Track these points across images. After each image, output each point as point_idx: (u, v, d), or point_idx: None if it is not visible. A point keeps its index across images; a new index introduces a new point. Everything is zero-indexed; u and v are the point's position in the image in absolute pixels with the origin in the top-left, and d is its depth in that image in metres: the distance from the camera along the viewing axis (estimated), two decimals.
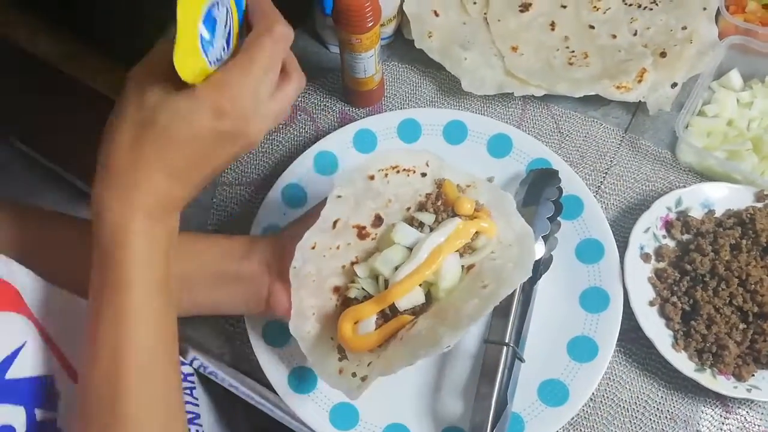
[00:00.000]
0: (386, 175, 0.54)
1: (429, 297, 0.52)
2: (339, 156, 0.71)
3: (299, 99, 0.76)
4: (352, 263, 0.54)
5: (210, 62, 0.41)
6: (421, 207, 0.55)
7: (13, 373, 0.38)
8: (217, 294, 0.56)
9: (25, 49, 0.82)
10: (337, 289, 0.54)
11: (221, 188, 0.73)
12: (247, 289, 0.55)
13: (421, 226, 0.54)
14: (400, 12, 0.78)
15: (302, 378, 0.61)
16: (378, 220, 0.55)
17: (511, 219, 0.54)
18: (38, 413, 0.39)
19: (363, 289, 0.53)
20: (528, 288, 0.63)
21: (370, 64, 0.70)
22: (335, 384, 0.50)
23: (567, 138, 0.74)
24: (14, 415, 0.37)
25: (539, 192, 0.66)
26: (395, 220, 0.55)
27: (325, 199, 0.52)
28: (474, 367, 0.62)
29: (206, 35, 0.40)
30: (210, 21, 0.40)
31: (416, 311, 0.52)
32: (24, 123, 0.79)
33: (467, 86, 0.74)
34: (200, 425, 0.62)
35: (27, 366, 0.39)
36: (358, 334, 0.51)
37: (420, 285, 0.51)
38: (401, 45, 0.79)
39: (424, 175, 0.56)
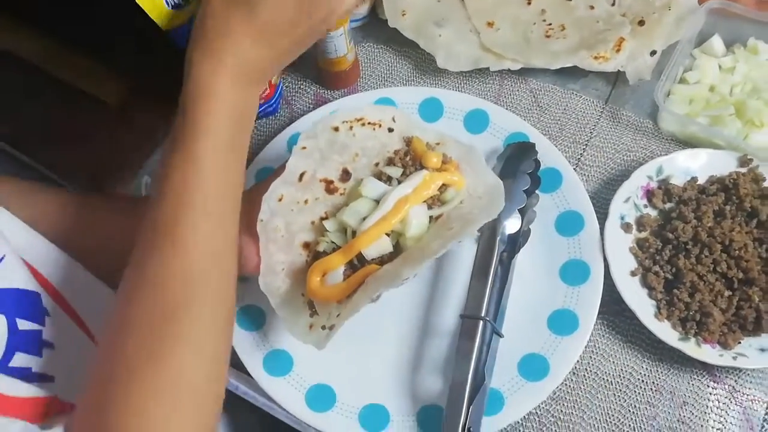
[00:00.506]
0: (351, 127, 0.54)
1: (398, 247, 0.52)
2: None
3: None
4: (322, 219, 0.54)
5: (167, 3, 0.49)
6: (390, 163, 0.55)
7: None
8: None
9: (7, 50, 0.81)
10: (307, 245, 0.54)
11: None
12: None
13: (389, 179, 0.54)
14: None
15: (277, 360, 0.60)
16: (346, 174, 0.55)
17: (482, 172, 0.54)
18: (20, 323, 0.40)
19: (332, 242, 0.53)
20: (506, 262, 0.61)
21: (340, 42, 0.69)
22: (305, 339, 0.49)
23: (546, 112, 0.72)
24: None
25: (515, 165, 0.64)
26: (363, 175, 0.55)
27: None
28: (452, 344, 0.60)
29: None
30: None
31: (384, 260, 0.51)
32: (11, 125, 0.79)
33: (442, 63, 0.73)
34: None
35: (9, 277, 0.39)
36: (327, 285, 0.50)
37: (388, 235, 0.51)
38: (376, 25, 0.79)
39: (390, 130, 0.56)
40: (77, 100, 0.76)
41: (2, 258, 0.40)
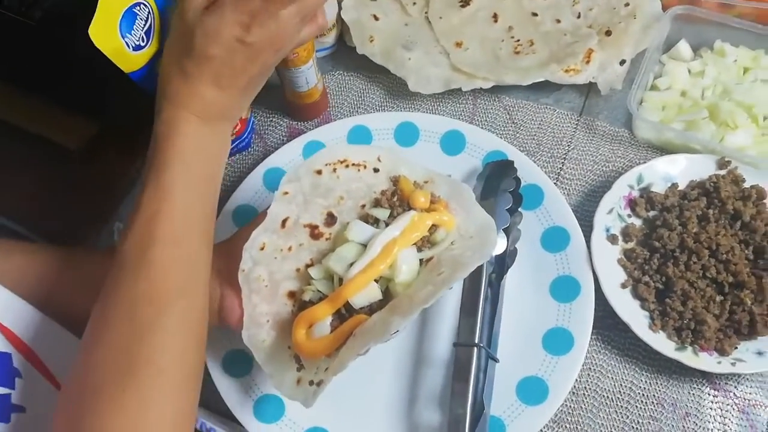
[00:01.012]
0: (335, 169, 0.52)
1: (387, 294, 0.49)
2: (289, 171, 0.68)
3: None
4: (307, 266, 0.52)
5: (128, 46, 0.49)
6: (377, 204, 0.53)
7: None
8: None
9: None
10: (292, 294, 0.51)
11: None
12: None
13: (376, 222, 0.52)
14: (340, 20, 0.77)
15: (268, 406, 0.57)
16: (331, 218, 0.53)
17: (472, 210, 0.52)
18: None
19: (318, 291, 0.50)
20: (495, 284, 0.60)
21: (311, 74, 0.68)
22: (292, 395, 0.47)
23: (521, 128, 0.72)
24: None
25: (496, 184, 0.64)
26: (349, 218, 0.53)
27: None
28: (447, 374, 0.59)
29: (125, 26, 0.49)
30: (130, 15, 0.49)
31: (373, 309, 0.48)
32: None
33: (414, 86, 0.72)
34: None
35: None
36: (313, 337, 0.48)
37: (377, 281, 0.48)
38: (344, 53, 0.78)
39: (376, 170, 0.54)
40: (36, 148, 0.73)
41: None
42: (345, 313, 0.49)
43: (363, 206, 0.54)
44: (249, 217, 0.66)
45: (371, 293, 0.48)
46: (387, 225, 0.51)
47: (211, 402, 0.59)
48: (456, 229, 0.51)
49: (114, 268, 0.44)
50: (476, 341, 0.56)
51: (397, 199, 0.53)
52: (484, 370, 0.56)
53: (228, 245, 0.55)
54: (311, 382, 0.46)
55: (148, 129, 0.72)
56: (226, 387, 0.58)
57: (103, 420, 0.38)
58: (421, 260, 0.50)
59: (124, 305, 0.42)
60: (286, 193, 0.52)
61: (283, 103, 0.74)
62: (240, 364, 0.59)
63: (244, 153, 0.73)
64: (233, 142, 0.70)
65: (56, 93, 0.73)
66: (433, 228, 0.51)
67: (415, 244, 0.50)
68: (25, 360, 0.43)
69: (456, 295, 0.59)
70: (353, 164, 0.54)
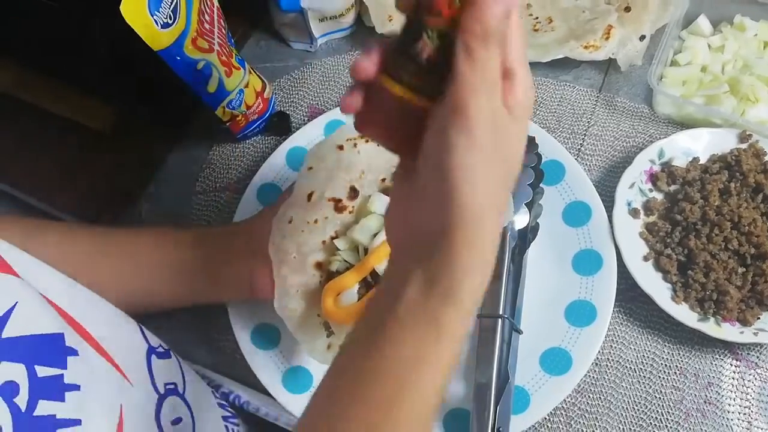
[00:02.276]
0: (355, 144, 0.54)
1: None
2: None
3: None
4: (332, 238, 0.53)
5: (156, 23, 0.51)
6: None
7: (9, 332, 0.37)
8: (202, 281, 0.57)
9: None
10: (319, 265, 0.53)
11: (197, 197, 0.71)
12: (231, 273, 0.56)
13: None
14: (358, 0, 0.77)
15: (296, 377, 0.59)
16: (353, 192, 0.54)
17: None
18: (39, 369, 0.38)
19: (345, 261, 0.52)
20: (518, 259, 0.61)
21: None
22: (324, 360, 0.49)
23: (541, 105, 0.72)
24: (15, 371, 0.36)
25: None
26: (371, 191, 0.55)
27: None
28: (471, 346, 0.59)
29: (153, 3, 0.51)
30: None
31: None
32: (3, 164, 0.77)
33: None
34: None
35: (23, 324, 0.38)
36: (342, 305, 0.49)
37: None
38: (363, 34, 0.78)
39: None
40: (65, 130, 0.74)
41: (14, 305, 0.38)
42: (371, 280, 0.50)
43: (383, 180, 0.56)
44: (272, 195, 0.67)
45: None
46: None
47: (243, 377, 0.60)
48: None
49: (356, 408, 0.35)
50: (500, 312, 0.57)
51: None
52: (508, 341, 0.57)
53: (254, 223, 0.57)
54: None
55: (169, 109, 0.74)
56: (256, 360, 0.59)
57: None
58: None
59: None
60: (311, 168, 0.54)
61: (304, 82, 0.75)
62: (268, 337, 0.60)
63: (265, 133, 0.74)
64: (254, 122, 0.71)
65: (78, 76, 0.75)
66: None
67: None
68: (80, 337, 0.44)
69: None
70: None
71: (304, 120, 0.74)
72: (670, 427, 0.56)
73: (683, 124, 0.69)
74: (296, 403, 0.57)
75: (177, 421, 0.48)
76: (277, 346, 0.60)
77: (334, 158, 0.54)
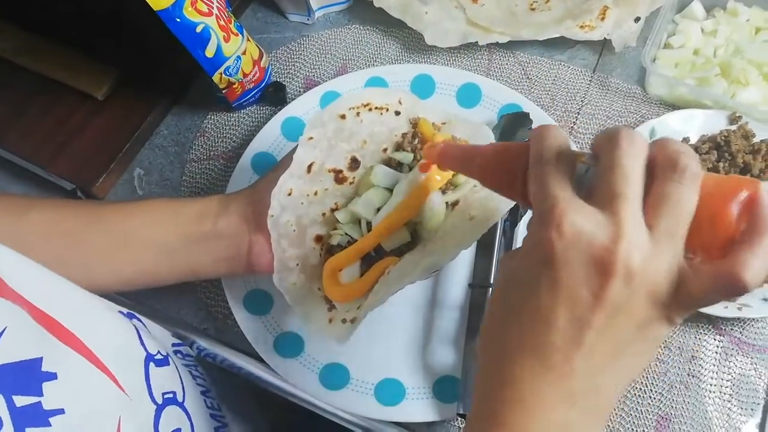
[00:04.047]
0: (358, 113, 0.52)
1: (415, 237, 0.50)
2: (307, 121, 0.69)
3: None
4: (332, 210, 0.53)
5: None
6: (398, 147, 0.54)
7: None
8: (196, 256, 0.54)
9: None
10: (319, 238, 0.52)
11: (190, 165, 0.71)
12: (227, 247, 0.53)
13: (399, 165, 0.53)
14: None
15: (288, 343, 0.59)
16: (354, 163, 0.53)
17: None
18: (17, 399, 0.37)
19: (346, 234, 0.51)
20: (509, 233, 0.62)
21: None
22: (327, 333, 0.48)
23: (536, 83, 0.73)
24: None
25: (512, 135, 0.65)
26: (372, 162, 0.53)
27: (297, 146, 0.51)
28: (462, 315, 0.60)
29: None
30: None
31: (402, 251, 0.49)
32: None
33: (430, 39, 0.73)
34: (212, 398, 0.60)
35: (7, 352, 0.37)
36: (343, 280, 0.49)
37: (405, 225, 0.50)
38: (361, 7, 0.78)
39: (398, 113, 0.54)
40: (62, 96, 0.74)
41: (3, 330, 0.37)
42: (374, 255, 0.50)
43: (385, 150, 0.55)
44: (267, 164, 0.67)
45: (401, 236, 0.50)
46: (411, 169, 0.52)
47: (233, 341, 0.61)
48: None
49: None
50: (491, 282, 0.57)
51: (418, 142, 0.54)
52: None
53: (253, 192, 0.55)
54: (344, 320, 0.47)
55: (166, 76, 0.73)
56: (247, 325, 0.59)
57: None
58: (447, 204, 0.51)
59: None
60: (311, 138, 0.52)
61: (300, 54, 0.75)
62: (261, 302, 0.60)
63: (260, 103, 0.74)
64: (250, 91, 0.71)
65: (77, 39, 0.74)
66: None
67: (440, 188, 0.51)
68: (68, 350, 0.41)
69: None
70: (376, 107, 0.54)
71: (300, 92, 0.74)
72: (654, 398, 0.58)
73: (675, 106, 0.70)
74: (287, 368, 0.58)
75: None
76: (269, 311, 0.60)
77: (335, 127, 0.52)
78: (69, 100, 0.72)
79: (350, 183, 0.54)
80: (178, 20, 0.55)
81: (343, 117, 0.53)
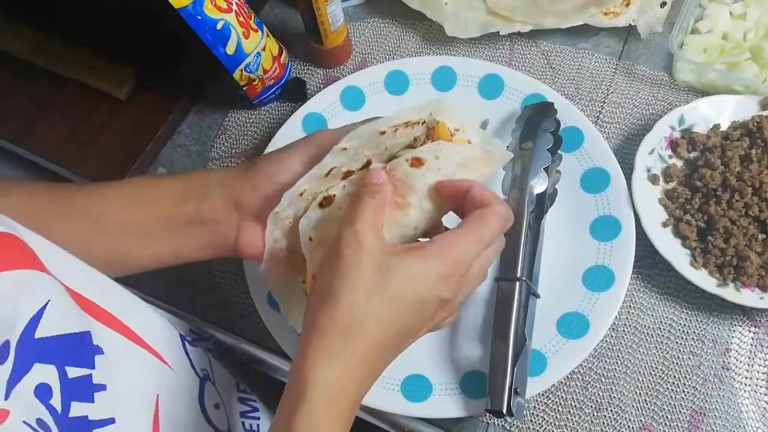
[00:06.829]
0: (396, 130, 0.51)
1: None
2: (327, 116, 0.69)
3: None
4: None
5: None
6: (409, 147, 0.53)
7: (42, 331, 0.36)
8: (178, 240, 0.51)
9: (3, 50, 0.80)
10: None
11: (212, 163, 0.71)
12: (213, 233, 0.51)
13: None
14: None
15: None
16: (367, 165, 0.52)
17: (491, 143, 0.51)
18: (69, 370, 0.37)
19: None
20: (535, 225, 0.61)
21: (338, 9, 0.67)
22: (295, 324, 0.49)
23: (559, 72, 0.71)
24: (47, 373, 0.35)
25: (536, 125, 0.64)
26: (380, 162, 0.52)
27: (303, 138, 0.52)
28: (488, 310, 0.60)
29: None
30: None
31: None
32: (14, 123, 0.77)
33: (451, 31, 0.72)
34: (241, 382, 0.61)
35: (54, 324, 0.37)
36: None
37: None
38: (379, 0, 0.78)
39: (423, 123, 0.53)
40: (82, 95, 0.74)
41: (46, 304, 0.37)
42: None
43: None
44: None
45: None
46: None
47: (259, 339, 0.61)
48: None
49: None
50: (518, 275, 0.56)
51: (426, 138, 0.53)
52: (525, 304, 0.57)
53: (249, 176, 0.51)
54: None
55: (186, 74, 0.73)
56: (272, 322, 0.59)
57: None
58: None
59: None
60: (345, 149, 0.50)
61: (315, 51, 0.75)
62: None
63: (281, 100, 0.74)
64: (271, 87, 0.71)
65: (98, 38, 0.74)
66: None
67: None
68: (109, 330, 0.42)
69: None
70: (413, 123, 0.53)
71: (319, 87, 0.74)
72: (687, 392, 0.56)
73: (703, 92, 0.68)
74: None
75: (217, 406, 0.48)
76: None
77: (369, 140, 0.51)
78: (89, 100, 0.73)
79: None
80: (199, 17, 0.55)
81: (382, 133, 0.51)
